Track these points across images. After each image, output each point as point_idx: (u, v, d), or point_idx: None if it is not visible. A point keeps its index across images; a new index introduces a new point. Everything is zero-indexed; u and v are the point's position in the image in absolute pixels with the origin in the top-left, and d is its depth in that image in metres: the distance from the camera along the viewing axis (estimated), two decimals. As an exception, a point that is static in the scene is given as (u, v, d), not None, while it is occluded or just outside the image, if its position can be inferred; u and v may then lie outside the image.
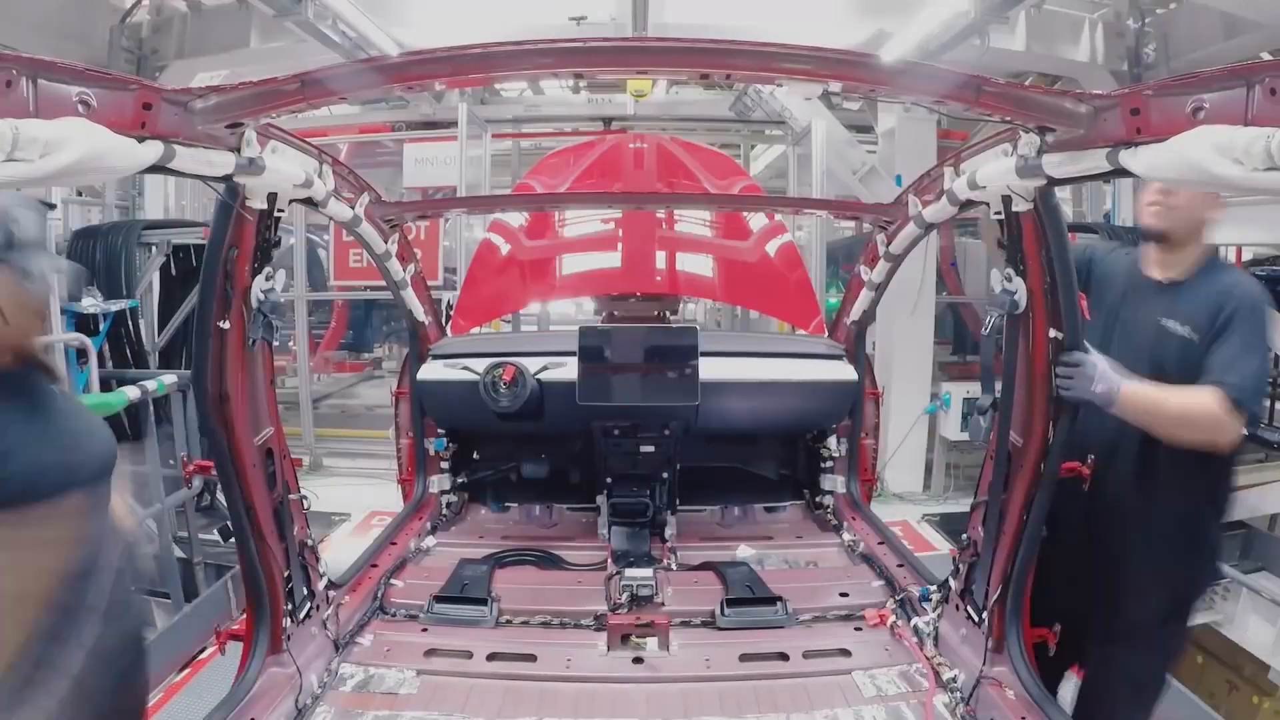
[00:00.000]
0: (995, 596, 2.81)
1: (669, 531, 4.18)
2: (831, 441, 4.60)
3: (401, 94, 2.49)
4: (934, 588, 3.28)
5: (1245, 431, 2.65)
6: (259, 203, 2.48)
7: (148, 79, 1.98)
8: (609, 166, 5.26)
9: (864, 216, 3.89)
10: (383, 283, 4.07)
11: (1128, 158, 1.88)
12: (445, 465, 4.63)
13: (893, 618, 3.31)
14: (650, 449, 4.31)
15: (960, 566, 3.09)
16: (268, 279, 2.61)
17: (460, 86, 2.45)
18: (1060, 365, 2.56)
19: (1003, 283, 2.63)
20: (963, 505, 4.50)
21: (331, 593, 3.20)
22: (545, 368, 4.25)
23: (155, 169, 1.92)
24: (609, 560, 3.86)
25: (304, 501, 3.11)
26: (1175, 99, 1.74)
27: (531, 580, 3.82)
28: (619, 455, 4.32)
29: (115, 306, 7.35)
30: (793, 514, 4.74)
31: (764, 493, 4.80)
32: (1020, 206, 2.47)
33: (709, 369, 4.17)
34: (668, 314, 4.78)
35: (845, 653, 3.18)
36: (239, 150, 2.20)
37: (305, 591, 2.98)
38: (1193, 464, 2.72)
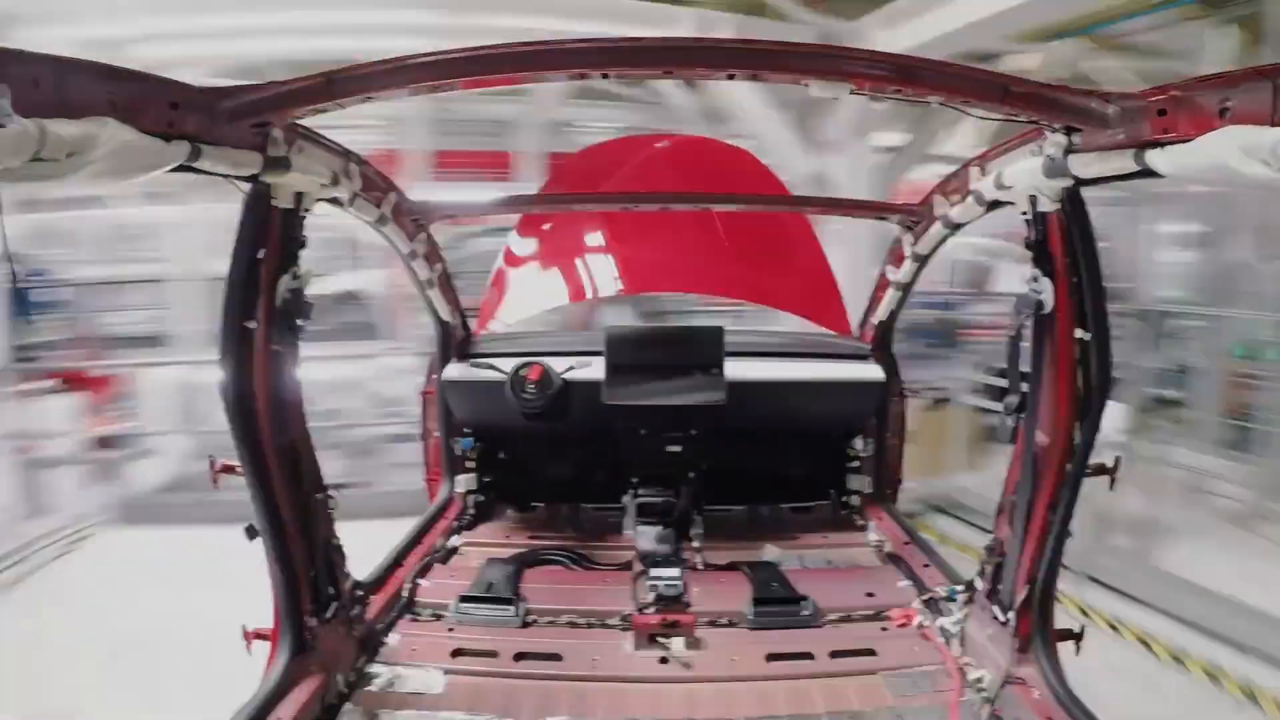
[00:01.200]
0: (1022, 597, 2.80)
1: (695, 531, 4.19)
2: (858, 441, 4.59)
3: (431, 94, 2.49)
4: (960, 588, 3.27)
5: None
6: (285, 202, 2.50)
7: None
8: (636, 166, 5.28)
9: (890, 217, 3.88)
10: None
11: (1155, 158, 1.87)
12: (471, 465, 4.65)
13: (919, 618, 3.31)
14: (676, 449, 4.31)
15: (986, 567, 3.07)
16: (294, 278, 2.63)
17: (487, 87, 2.45)
18: None
19: (1029, 283, 2.62)
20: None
21: (358, 592, 3.22)
22: (571, 367, 4.27)
23: (182, 168, 1.94)
24: (635, 560, 3.87)
25: (330, 501, 3.13)
26: (1202, 99, 1.73)
27: (558, 580, 3.84)
28: (645, 455, 4.33)
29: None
30: (819, 514, 4.73)
31: (790, 493, 4.80)
32: (1047, 207, 2.46)
33: (735, 368, 4.18)
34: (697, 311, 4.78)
35: (871, 653, 3.18)
36: (265, 150, 2.23)
37: (331, 591, 2.99)
38: None
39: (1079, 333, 2.54)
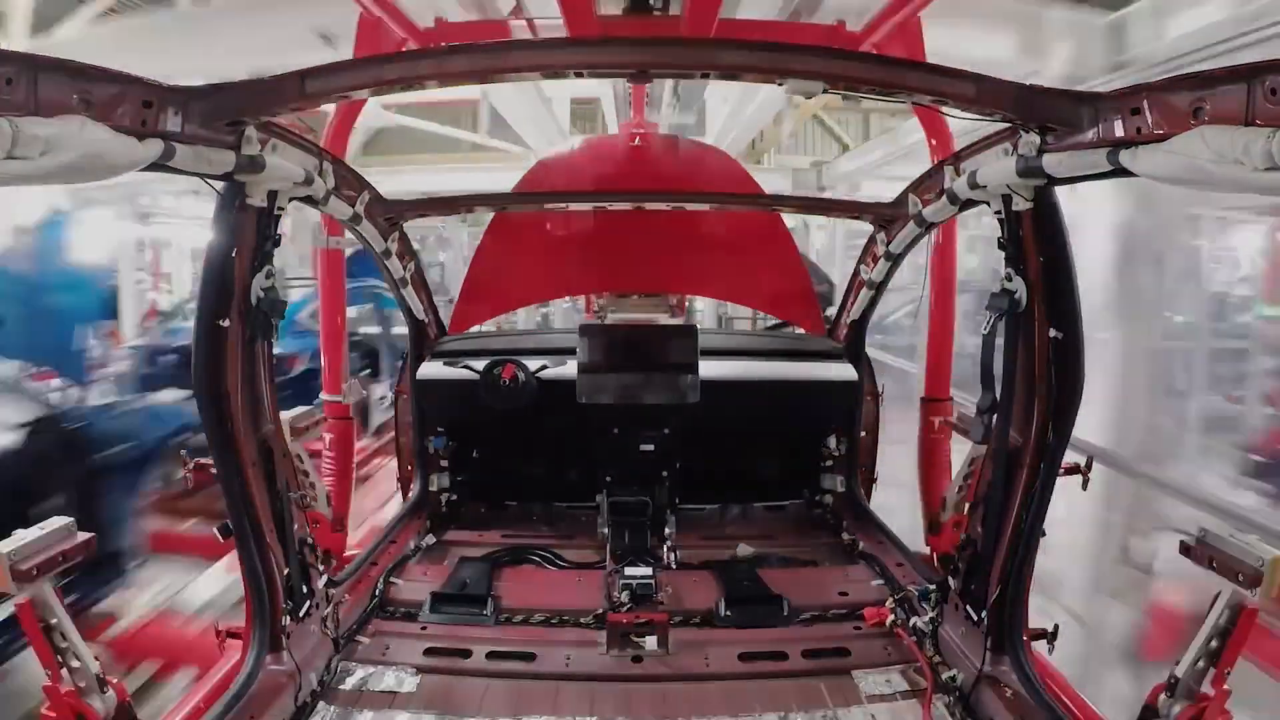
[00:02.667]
0: (995, 596, 2.81)
1: (668, 530, 4.18)
2: (831, 440, 4.60)
3: (405, 91, 2.48)
4: (933, 587, 3.28)
5: None
6: (259, 200, 2.47)
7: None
8: (610, 164, 5.26)
9: (864, 216, 3.89)
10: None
11: (1128, 158, 1.87)
12: (445, 463, 4.62)
13: (892, 617, 3.31)
14: (650, 447, 4.31)
15: (959, 566, 3.08)
16: (268, 277, 2.60)
17: (464, 84, 2.46)
18: None
19: (1002, 282, 2.63)
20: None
21: (331, 591, 3.20)
22: (545, 366, 4.25)
23: (155, 167, 1.91)
24: (608, 559, 3.86)
25: (303, 499, 3.10)
26: (1175, 99, 1.74)
27: (531, 579, 3.82)
28: (619, 453, 4.32)
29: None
30: (792, 512, 4.74)
31: (763, 491, 4.80)
32: (1020, 206, 2.47)
33: (709, 368, 4.17)
34: (671, 312, 4.78)
35: (844, 652, 3.18)
36: (239, 148, 2.20)
37: (305, 590, 2.97)
38: None
39: (1052, 332, 2.55)
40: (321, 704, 2.82)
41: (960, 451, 3.54)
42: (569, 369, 4.19)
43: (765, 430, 4.68)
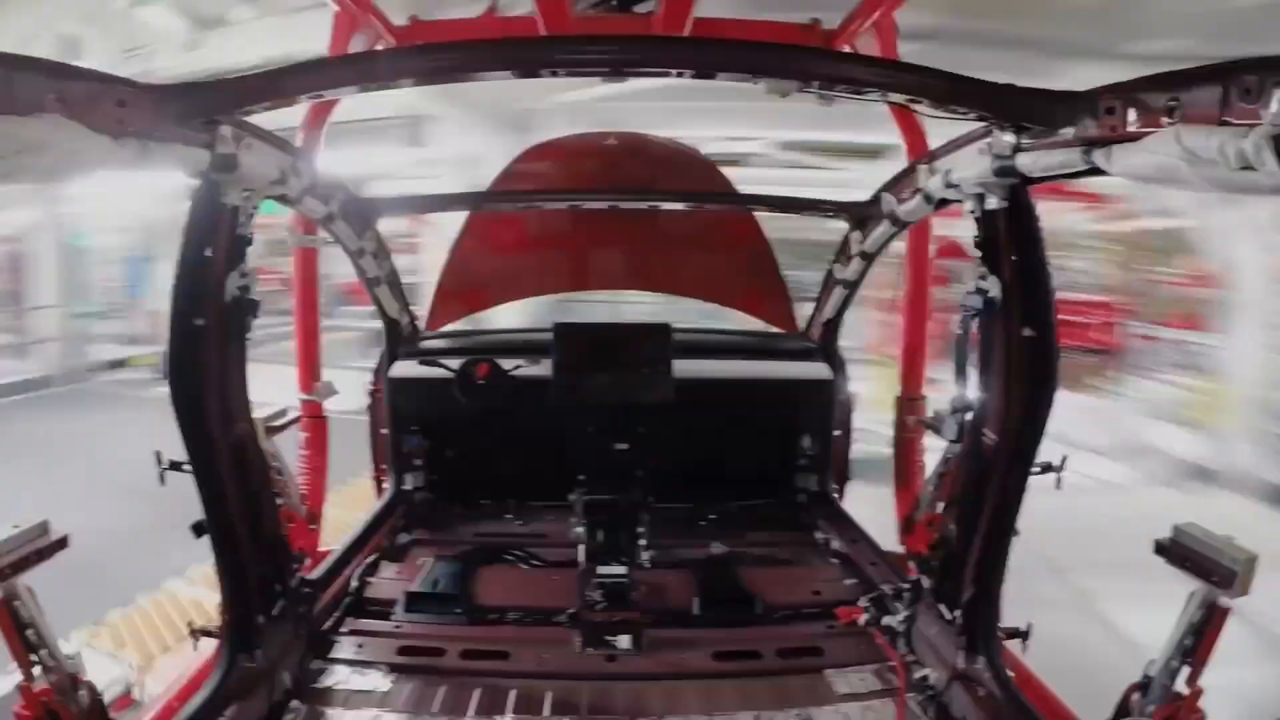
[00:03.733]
0: (968, 595, 2.82)
1: (643, 529, 4.17)
2: (805, 439, 4.60)
3: (381, 89, 2.47)
4: (906, 586, 3.28)
5: None
6: (233, 199, 2.44)
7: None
8: (584, 164, 5.24)
9: (839, 215, 3.90)
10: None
11: (1101, 157, 1.88)
12: (419, 462, 4.60)
13: (865, 616, 3.32)
14: (624, 446, 4.30)
15: (933, 565, 3.09)
16: (242, 276, 2.58)
17: (439, 82, 2.46)
18: None
19: (977, 280, 2.64)
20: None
21: (305, 590, 3.17)
22: (520, 365, 4.23)
23: (130, 166, 1.89)
24: (583, 558, 3.84)
25: (277, 498, 3.07)
26: (1150, 97, 1.74)
27: (505, 578, 3.80)
28: (593, 452, 4.31)
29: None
30: (767, 511, 4.73)
31: (738, 490, 4.80)
32: (994, 205, 2.48)
33: (683, 367, 4.16)
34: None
35: (818, 651, 3.18)
36: (213, 147, 2.18)
37: (279, 588, 2.95)
38: None
39: (1026, 330, 2.56)
40: (295, 703, 2.79)
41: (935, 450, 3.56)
42: (544, 368, 4.17)
43: (740, 429, 4.68)
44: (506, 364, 4.25)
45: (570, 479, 4.33)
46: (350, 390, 4.70)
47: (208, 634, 2.81)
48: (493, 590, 3.59)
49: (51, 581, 2.19)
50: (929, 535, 3.30)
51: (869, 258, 3.80)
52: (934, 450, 3.56)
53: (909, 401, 4.39)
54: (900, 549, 4.02)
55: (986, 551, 2.77)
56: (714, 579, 3.66)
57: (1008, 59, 7.88)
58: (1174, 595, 2.26)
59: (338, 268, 7.17)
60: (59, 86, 1.68)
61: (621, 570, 3.53)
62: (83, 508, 6.57)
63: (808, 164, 15.68)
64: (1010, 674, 2.72)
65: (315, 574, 3.46)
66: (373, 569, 3.77)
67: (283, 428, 3.39)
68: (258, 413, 3.00)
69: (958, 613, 2.86)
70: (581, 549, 3.91)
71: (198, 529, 2.64)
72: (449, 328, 5.09)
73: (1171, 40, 7.51)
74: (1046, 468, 2.80)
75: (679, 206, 4.66)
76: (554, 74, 2.35)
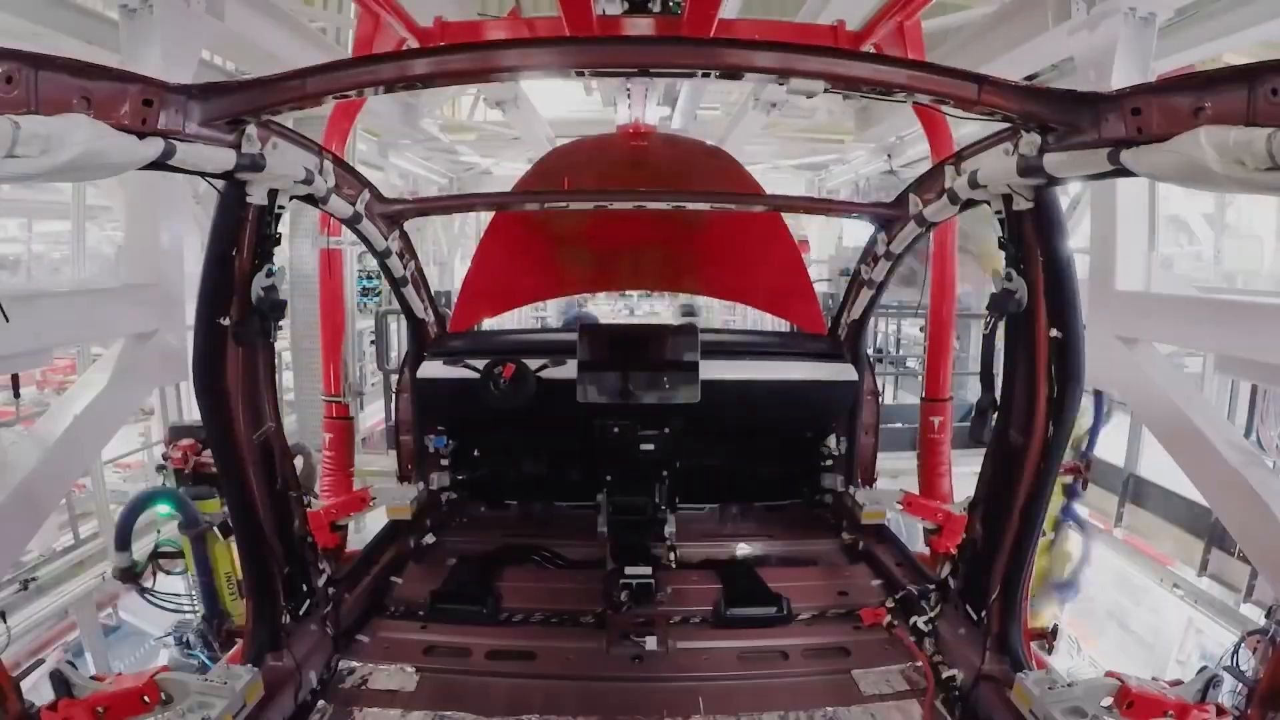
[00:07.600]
0: (994, 595, 2.81)
1: (668, 530, 4.17)
2: (831, 440, 4.59)
3: (407, 91, 2.48)
4: (933, 587, 3.28)
5: None
6: (259, 199, 2.47)
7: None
8: (611, 164, 5.26)
9: (865, 216, 3.89)
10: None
11: (1129, 158, 1.87)
12: (445, 463, 4.62)
13: (890, 617, 3.31)
14: (650, 447, 4.30)
15: (959, 565, 3.08)
16: (268, 275, 2.59)
17: (464, 83, 2.47)
18: None
19: (1003, 282, 2.63)
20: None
21: (331, 590, 3.20)
22: (545, 365, 4.24)
23: (155, 165, 1.91)
24: (608, 558, 3.85)
25: (304, 499, 3.10)
26: (1177, 99, 1.73)
27: (531, 578, 3.82)
28: (619, 453, 4.31)
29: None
30: (792, 512, 4.73)
31: (763, 491, 4.80)
32: (1021, 205, 2.47)
33: (709, 368, 4.16)
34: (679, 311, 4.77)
35: (844, 651, 3.18)
36: (240, 147, 2.20)
37: (305, 588, 2.98)
38: None
39: (1053, 331, 2.55)
40: (321, 702, 2.82)
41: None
42: (569, 369, 4.19)
43: (765, 430, 4.67)
44: (533, 364, 4.27)
45: (596, 480, 4.34)
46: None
47: (235, 634, 2.83)
48: (518, 591, 3.61)
49: None
50: (955, 536, 3.29)
51: (895, 258, 3.78)
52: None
53: (934, 403, 4.37)
54: (926, 549, 4.00)
55: (1013, 552, 2.76)
56: (740, 580, 3.66)
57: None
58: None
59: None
60: (86, 85, 1.70)
61: (647, 571, 3.53)
62: None
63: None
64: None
65: (342, 574, 3.49)
66: (398, 570, 3.80)
67: None
68: None
69: (984, 613, 2.85)
70: (607, 550, 3.93)
71: (224, 529, 2.66)
72: (475, 328, 5.10)
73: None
74: (1073, 469, 2.79)
75: (705, 207, 4.66)
76: (581, 74, 2.36)
